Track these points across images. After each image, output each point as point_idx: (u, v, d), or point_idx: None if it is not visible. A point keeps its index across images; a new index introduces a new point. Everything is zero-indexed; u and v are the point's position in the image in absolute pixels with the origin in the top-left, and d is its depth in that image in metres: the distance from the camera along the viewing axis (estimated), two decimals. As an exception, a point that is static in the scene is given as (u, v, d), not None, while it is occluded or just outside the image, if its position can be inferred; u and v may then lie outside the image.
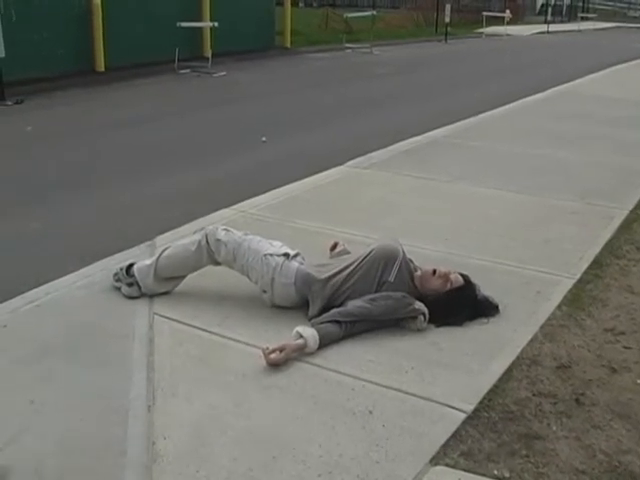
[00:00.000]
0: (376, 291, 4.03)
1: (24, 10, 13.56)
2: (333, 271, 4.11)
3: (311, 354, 3.73)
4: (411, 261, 4.28)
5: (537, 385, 3.53)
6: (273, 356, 3.61)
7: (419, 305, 4.01)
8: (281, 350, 3.63)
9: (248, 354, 3.69)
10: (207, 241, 4.28)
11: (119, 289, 4.39)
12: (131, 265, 4.41)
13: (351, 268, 4.09)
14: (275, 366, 3.60)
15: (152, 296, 4.30)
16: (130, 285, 4.35)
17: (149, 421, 3.17)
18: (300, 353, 3.71)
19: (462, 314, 4.10)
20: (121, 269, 4.41)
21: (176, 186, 7.31)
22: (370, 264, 4.08)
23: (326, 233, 5.29)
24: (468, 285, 4.19)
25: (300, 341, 3.72)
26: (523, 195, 6.52)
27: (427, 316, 4.00)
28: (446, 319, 4.06)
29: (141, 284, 4.32)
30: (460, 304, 4.09)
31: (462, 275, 4.22)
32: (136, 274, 4.34)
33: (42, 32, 13.87)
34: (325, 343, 3.78)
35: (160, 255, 4.38)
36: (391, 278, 4.04)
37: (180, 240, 4.58)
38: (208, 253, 4.28)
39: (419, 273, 4.22)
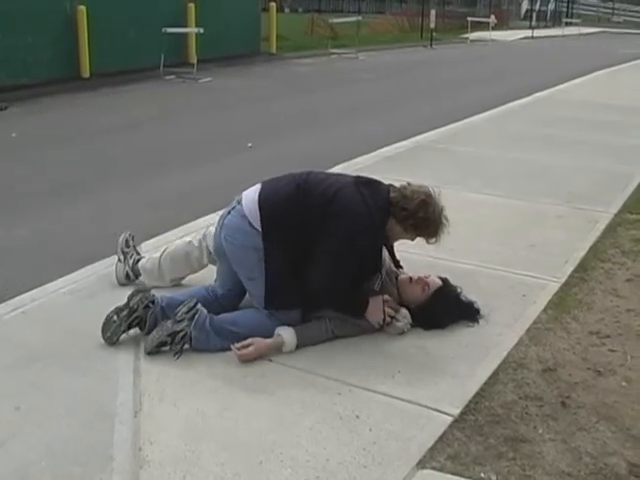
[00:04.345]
0: None
1: (8, 16, 13.50)
2: None
3: (290, 352, 3.77)
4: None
5: (523, 388, 3.54)
6: (242, 351, 3.67)
7: (388, 312, 3.99)
8: (249, 345, 3.68)
9: (235, 359, 3.68)
10: (207, 243, 4.39)
11: (120, 260, 4.60)
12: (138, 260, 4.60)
13: None
14: (246, 361, 3.66)
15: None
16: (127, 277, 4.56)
17: (136, 426, 3.17)
18: (278, 351, 3.76)
19: (447, 315, 4.11)
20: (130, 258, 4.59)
21: (161, 192, 7.29)
22: None
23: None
24: (446, 286, 4.20)
25: (277, 338, 3.77)
26: (509, 199, 6.55)
27: (402, 317, 4.01)
28: (432, 322, 4.07)
29: (145, 280, 4.52)
30: (442, 305, 4.10)
31: (440, 278, 4.24)
32: (141, 274, 4.54)
33: (27, 38, 13.80)
34: (305, 342, 3.82)
35: (162, 256, 4.51)
36: (376, 287, 4.05)
37: (175, 243, 4.67)
38: (208, 251, 4.39)
39: (402, 277, 4.23)
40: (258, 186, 4.04)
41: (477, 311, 4.18)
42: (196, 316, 3.76)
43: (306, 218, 3.84)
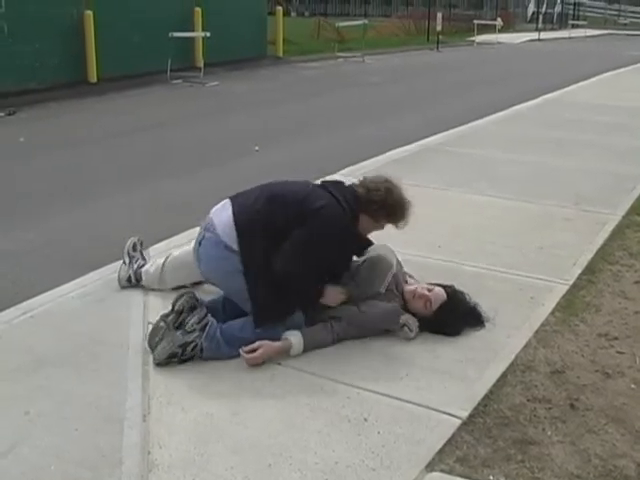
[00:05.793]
0: (366, 300, 4.03)
1: (16, 22, 13.56)
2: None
3: (297, 355, 3.77)
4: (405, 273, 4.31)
5: (532, 390, 3.54)
6: (250, 355, 3.67)
7: (404, 319, 3.99)
8: (257, 349, 3.68)
9: (243, 363, 3.69)
10: None
11: (125, 263, 4.61)
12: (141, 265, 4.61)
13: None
14: (254, 365, 3.66)
15: (146, 306, 4.31)
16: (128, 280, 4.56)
17: (145, 430, 3.18)
18: (285, 355, 3.76)
19: (455, 325, 4.07)
20: (136, 265, 4.60)
21: (167, 195, 7.30)
22: (362, 273, 4.10)
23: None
24: (451, 299, 4.13)
25: (284, 342, 3.77)
26: (516, 202, 6.54)
27: (414, 327, 3.99)
28: (440, 332, 4.05)
29: (147, 284, 4.52)
30: (449, 318, 4.06)
31: (445, 287, 4.17)
32: (143, 278, 4.54)
33: (34, 43, 13.85)
34: (312, 346, 3.82)
35: (165, 262, 4.51)
36: (382, 289, 4.05)
37: (181, 249, 4.66)
38: None
39: (407, 288, 4.20)
40: (227, 204, 4.00)
41: (480, 315, 4.14)
42: (207, 327, 3.75)
43: (283, 228, 3.81)
